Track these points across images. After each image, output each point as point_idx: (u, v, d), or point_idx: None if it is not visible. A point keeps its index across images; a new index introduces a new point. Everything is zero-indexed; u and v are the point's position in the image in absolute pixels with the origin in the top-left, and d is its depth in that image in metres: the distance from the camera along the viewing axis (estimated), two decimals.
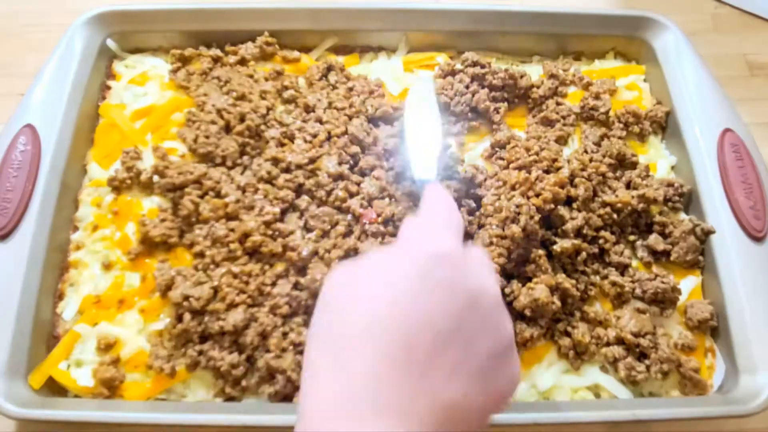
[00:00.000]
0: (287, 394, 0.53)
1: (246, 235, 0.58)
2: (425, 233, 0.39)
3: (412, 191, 0.60)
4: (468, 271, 0.35)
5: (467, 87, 0.68)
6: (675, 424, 0.57)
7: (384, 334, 0.32)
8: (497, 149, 0.66)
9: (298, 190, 0.62)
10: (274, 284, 0.57)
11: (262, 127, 0.65)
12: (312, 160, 0.63)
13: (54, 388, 0.55)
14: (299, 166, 0.62)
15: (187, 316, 0.54)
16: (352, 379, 0.31)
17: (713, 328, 0.58)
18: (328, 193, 0.61)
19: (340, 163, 0.62)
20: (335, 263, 0.56)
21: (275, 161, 0.62)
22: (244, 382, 0.54)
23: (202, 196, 0.61)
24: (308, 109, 0.67)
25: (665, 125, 0.69)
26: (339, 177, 0.62)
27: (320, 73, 0.70)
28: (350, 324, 0.33)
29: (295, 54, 0.73)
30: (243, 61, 0.72)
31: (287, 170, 0.62)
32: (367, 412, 0.30)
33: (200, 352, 0.54)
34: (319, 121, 0.66)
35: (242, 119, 0.64)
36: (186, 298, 0.54)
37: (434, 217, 0.41)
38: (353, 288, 0.35)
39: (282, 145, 0.64)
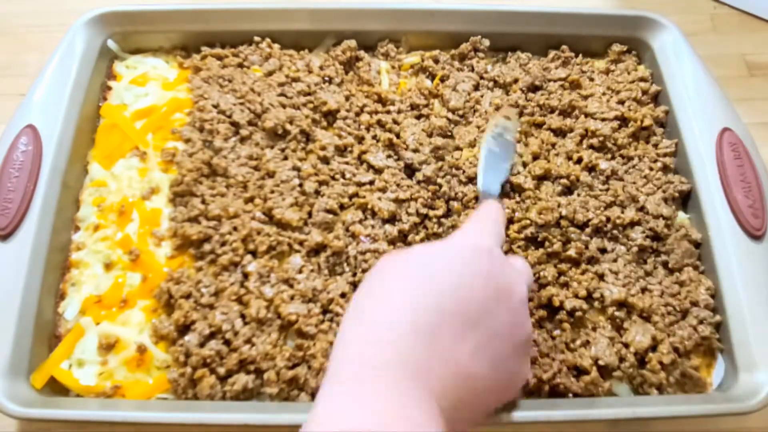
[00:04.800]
0: (288, 394, 0.54)
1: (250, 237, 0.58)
2: (470, 231, 0.45)
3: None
4: (504, 270, 0.40)
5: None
6: (674, 422, 0.58)
7: (419, 307, 0.36)
8: None
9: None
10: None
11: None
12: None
13: (56, 388, 0.55)
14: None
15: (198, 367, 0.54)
16: (383, 344, 0.34)
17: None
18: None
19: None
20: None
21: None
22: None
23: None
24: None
25: (664, 125, 0.70)
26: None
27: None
28: (388, 296, 0.37)
29: (296, 55, 0.73)
30: (242, 65, 0.72)
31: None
32: (397, 373, 0.33)
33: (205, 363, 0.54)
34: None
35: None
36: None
37: (482, 222, 0.46)
38: (397, 268, 0.39)
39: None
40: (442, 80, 0.72)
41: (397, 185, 0.63)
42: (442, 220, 0.62)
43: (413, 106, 0.70)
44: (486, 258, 0.39)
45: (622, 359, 0.55)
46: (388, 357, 0.34)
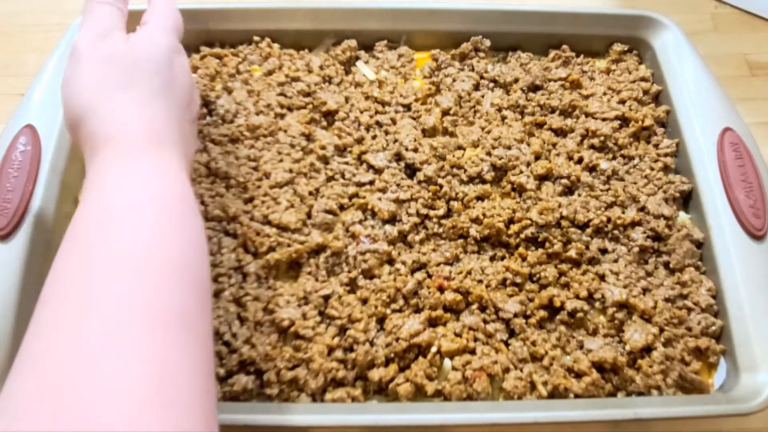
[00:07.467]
0: (288, 395, 0.54)
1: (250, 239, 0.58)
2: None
3: None
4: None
5: None
6: (676, 423, 0.58)
7: (172, 93, 0.49)
8: None
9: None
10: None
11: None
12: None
13: None
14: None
15: None
16: (155, 120, 0.47)
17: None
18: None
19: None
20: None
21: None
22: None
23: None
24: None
25: (665, 124, 0.70)
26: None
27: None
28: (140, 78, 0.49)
29: (295, 55, 0.73)
30: (241, 63, 0.72)
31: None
32: (170, 143, 0.46)
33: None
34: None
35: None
36: None
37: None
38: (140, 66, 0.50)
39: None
40: (441, 81, 0.72)
41: (398, 185, 0.63)
42: (443, 220, 0.61)
43: (411, 106, 0.69)
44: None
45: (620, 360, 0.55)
46: (160, 130, 0.46)
